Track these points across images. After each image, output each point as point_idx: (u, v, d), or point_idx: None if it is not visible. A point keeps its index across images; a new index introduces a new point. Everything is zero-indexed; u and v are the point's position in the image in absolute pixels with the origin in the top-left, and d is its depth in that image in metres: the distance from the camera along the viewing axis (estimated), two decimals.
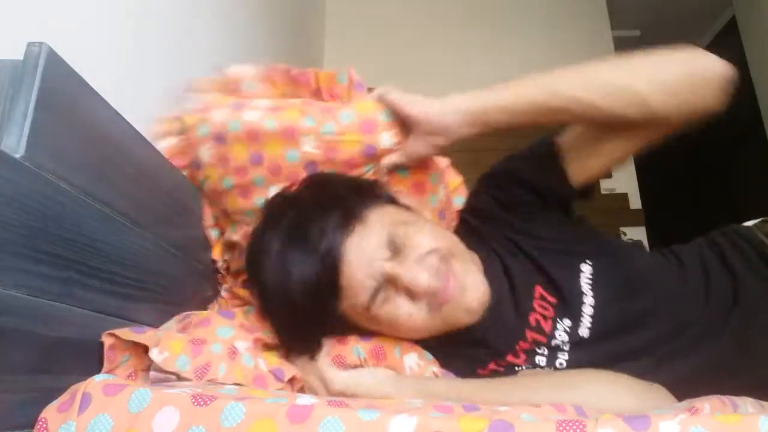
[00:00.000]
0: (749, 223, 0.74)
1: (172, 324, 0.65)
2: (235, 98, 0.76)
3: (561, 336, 0.65)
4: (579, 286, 0.66)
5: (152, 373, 0.54)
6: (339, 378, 0.61)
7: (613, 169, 0.78)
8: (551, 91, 0.65)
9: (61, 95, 0.48)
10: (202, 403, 0.39)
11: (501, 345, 0.66)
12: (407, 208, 0.71)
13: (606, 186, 2.53)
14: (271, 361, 0.62)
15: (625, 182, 2.53)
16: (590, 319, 0.64)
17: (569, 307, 0.65)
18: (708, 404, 0.40)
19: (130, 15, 0.75)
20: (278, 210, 0.65)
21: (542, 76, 0.65)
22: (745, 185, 3.05)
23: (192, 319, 0.64)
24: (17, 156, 0.43)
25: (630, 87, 0.62)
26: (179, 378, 0.54)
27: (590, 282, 0.66)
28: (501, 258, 0.71)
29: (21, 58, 0.45)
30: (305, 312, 0.61)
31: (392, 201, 0.70)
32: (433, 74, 2.75)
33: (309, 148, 0.69)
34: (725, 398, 0.43)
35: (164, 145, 0.75)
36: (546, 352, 0.65)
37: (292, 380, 0.62)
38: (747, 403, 0.44)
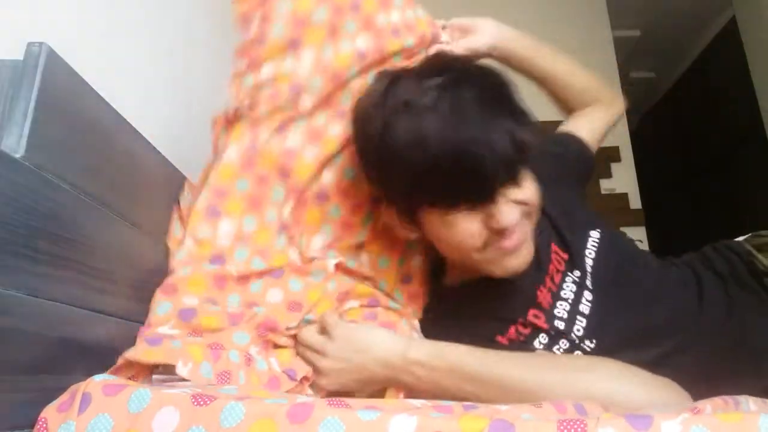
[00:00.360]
0: (741, 239, 0.77)
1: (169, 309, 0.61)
2: None
3: (569, 287, 0.69)
4: (584, 245, 0.73)
5: (155, 377, 0.55)
6: (343, 324, 0.61)
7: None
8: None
9: (61, 95, 0.48)
10: (202, 403, 0.39)
11: (511, 312, 0.69)
12: None
13: (606, 186, 2.53)
14: (284, 359, 0.62)
15: (625, 182, 2.54)
16: (591, 265, 0.71)
17: (576, 259, 0.71)
18: (710, 405, 0.40)
19: (130, 15, 0.75)
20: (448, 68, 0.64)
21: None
22: (745, 185, 3.05)
23: (201, 322, 0.61)
24: (17, 156, 0.43)
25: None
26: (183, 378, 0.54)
27: (595, 245, 0.73)
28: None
29: (21, 58, 0.45)
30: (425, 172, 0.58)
31: None
32: None
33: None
34: (728, 398, 0.43)
35: None
36: (563, 314, 0.68)
37: (303, 379, 0.61)
38: (749, 401, 0.44)
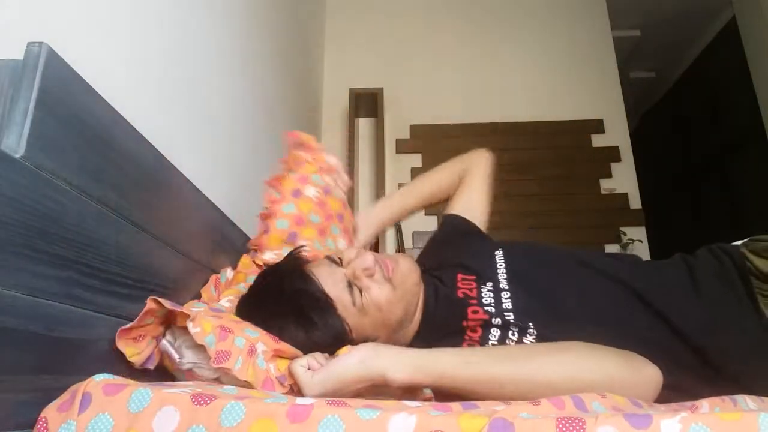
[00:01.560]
0: (738, 243, 0.78)
1: (203, 307, 0.68)
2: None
3: (487, 296, 0.78)
4: (494, 263, 0.83)
5: (163, 342, 0.60)
6: (310, 382, 0.60)
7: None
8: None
9: (61, 95, 0.48)
10: (202, 402, 0.39)
11: (456, 319, 0.77)
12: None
13: (606, 186, 2.53)
14: (281, 367, 0.64)
15: (625, 182, 2.54)
16: (504, 272, 0.81)
17: (486, 274, 0.81)
18: (707, 403, 0.40)
19: (129, 15, 0.75)
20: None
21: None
22: (745, 185, 3.05)
23: (223, 315, 0.67)
24: (17, 156, 0.43)
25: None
26: (180, 355, 0.60)
27: (503, 258, 0.84)
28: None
29: (21, 58, 0.45)
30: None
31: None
32: (433, 74, 2.76)
33: None
34: (725, 396, 0.43)
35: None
36: (497, 320, 0.75)
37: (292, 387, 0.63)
38: (747, 399, 0.44)
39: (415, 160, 2.61)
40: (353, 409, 0.38)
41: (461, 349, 0.72)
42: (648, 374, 0.59)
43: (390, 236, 2.53)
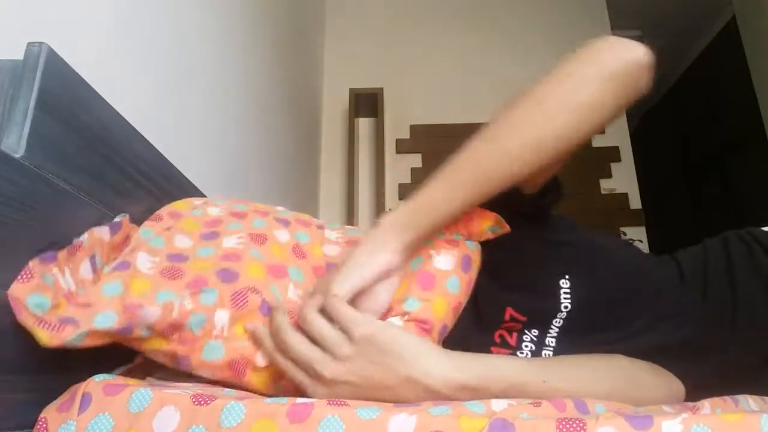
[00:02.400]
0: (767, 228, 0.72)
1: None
2: None
3: (527, 347, 0.64)
4: (555, 301, 0.64)
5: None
6: (368, 321, 0.47)
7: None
8: (480, 182, 0.57)
9: (61, 95, 0.48)
10: (202, 402, 0.39)
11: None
12: None
13: (606, 186, 2.53)
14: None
15: (625, 182, 2.54)
16: (560, 320, 0.64)
17: (537, 319, 0.64)
18: (708, 403, 0.40)
19: (129, 15, 0.75)
20: None
21: (461, 168, 0.56)
22: (745, 185, 3.05)
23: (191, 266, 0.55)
24: (17, 156, 0.43)
25: (559, 138, 0.58)
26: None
27: (568, 296, 0.64)
28: None
29: (21, 58, 0.45)
30: None
31: None
32: (433, 74, 2.76)
33: None
34: (727, 397, 0.43)
35: None
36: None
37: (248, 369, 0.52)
38: (749, 399, 0.44)
39: (415, 160, 2.61)
40: (353, 408, 0.38)
41: (530, 360, 0.60)
42: (673, 385, 0.56)
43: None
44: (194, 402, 0.40)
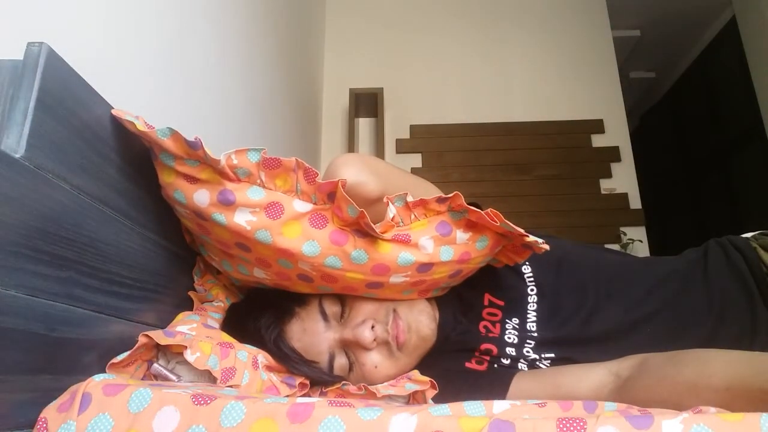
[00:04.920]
0: (747, 235, 0.78)
1: (197, 326, 0.64)
2: None
3: (511, 335, 0.72)
4: (523, 286, 0.75)
5: (155, 366, 0.56)
6: None
7: None
8: None
9: (61, 95, 0.48)
10: (202, 402, 0.39)
11: (467, 345, 0.73)
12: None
13: (606, 186, 2.53)
14: (281, 375, 0.64)
15: (625, 182, 2.54)
16: (534, 315, 0.73)
17: (513, 306, 0.74)
18: (714, 410, 0.39)
19: (129, 14, 0.75)
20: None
21: None
22: (745, 185, 3.05)
23: (221, 336, 0.64)
24: (17, 156, 0.43)
25: None
26: (178, 376, 0.56)
27: (532, 280, 0.75)
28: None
29: (21, 58, 0.45)
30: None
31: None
32: (433, 74, 2.76)
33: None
34: None
35: None
36: (511, 352, 0.71)
37: (301, 385, 0.64)
38: None
39: (415, 160, 2.61)
40: (354, 409, 0.38)
41: None
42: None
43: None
44: (194, 402, 0.40)
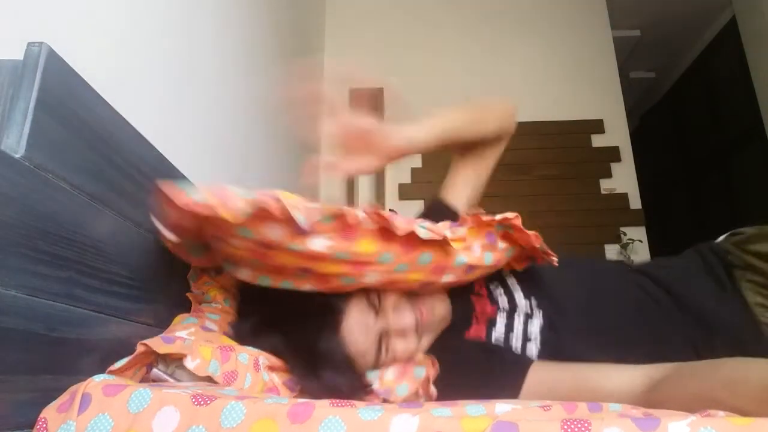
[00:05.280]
0: (720, 238, 0.82)
1: (195, 330, 0.64)
2: None
3: (496, 291, 0.79)
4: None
5: (154, 371, 0.55)
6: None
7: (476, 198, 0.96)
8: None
9: (61, 95, 0.48)
10: (202, 402, 0.39)
11: (461, 315, 0.79)
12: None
13: (606, 186, 2.53)
14: (283, 377, 0.64)
15: (625, 182, 2.53)
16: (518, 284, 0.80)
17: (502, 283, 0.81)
18: (722, 411, 0.39)
19: (130, 15, 0.75)
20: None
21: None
22: (745, 185, 3.04)
23: (219, 338, 0.64)
24: (17, 156, 0.43)
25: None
26: (176, 380, 0.55)
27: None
28: None
29: (21, 58, 0.45)
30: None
31: None
32: (433, 74, 2.75)
33: None
34: None
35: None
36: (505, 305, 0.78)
37: (300, 392, 0.64)
38: None
39: (415, 160, 2.60)
40: (355, 409, 0.37)
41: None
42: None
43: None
44: (194, 402, 0.39)
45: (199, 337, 0.61)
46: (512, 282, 0.80)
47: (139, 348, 0.53)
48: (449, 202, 0.92)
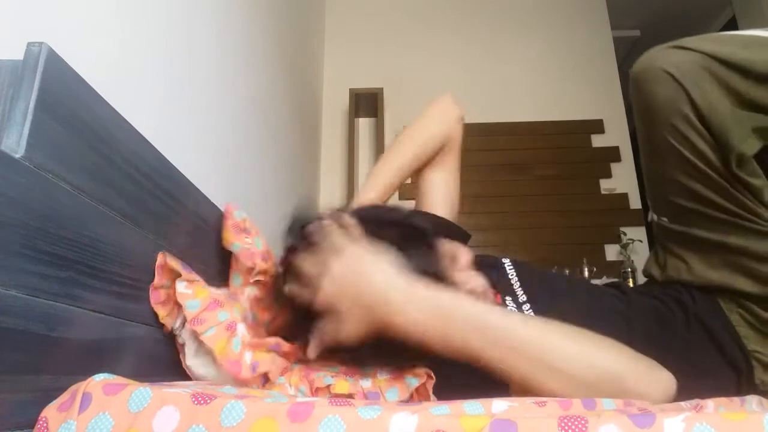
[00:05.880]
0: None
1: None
2: None
3: (511, 306, 0.76)
4: (507, 277, 0.80)
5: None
6: (350, 243, 0.60)
7: None
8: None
9: (61, 95, 0.48)
10: (202, 402, 0.39)
11: None
12: None
13: (606, 186, 2.53)
14: (258, 357, 0.63)
15: (625, 182, 2.54)
16: (518, 283, 0.79)
17: (502, 287, 0.79)
18: (712, 402, 0.39)
19: (130, 15, 0.75)
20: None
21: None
22: None
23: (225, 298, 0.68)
24: (17, 156, 0.43)
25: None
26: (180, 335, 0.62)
27: (512, 269, 0.82)
28: None
29: (21, 58, 0.45)
30: None
31: None
32: (433, 74, 2.76)
33: None
34: (735, 397, 0.43)
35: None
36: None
37: (266, 375, 0.63)
38: (753, 402, 0.44)
39: None
40: (354, 408, 0.38)
41: (509, 311, 0.70)
42: (661, 375, 0.55)
43: None
44: (194, 401, 0.39)
45: (205, 286, 0.65)
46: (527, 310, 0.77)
47: (159, 258, 0.62)
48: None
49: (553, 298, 0.77)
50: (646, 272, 0.88)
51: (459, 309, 0.54)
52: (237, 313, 0.65)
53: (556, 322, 0.58)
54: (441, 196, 0.95)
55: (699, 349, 0.70)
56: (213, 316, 0.61)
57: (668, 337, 0.71)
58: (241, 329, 0.63)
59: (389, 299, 0.55)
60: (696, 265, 0.76)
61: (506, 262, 0.84)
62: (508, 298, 0.77)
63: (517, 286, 0.79)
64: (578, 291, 0.81)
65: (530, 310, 0.74)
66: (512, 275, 0.81)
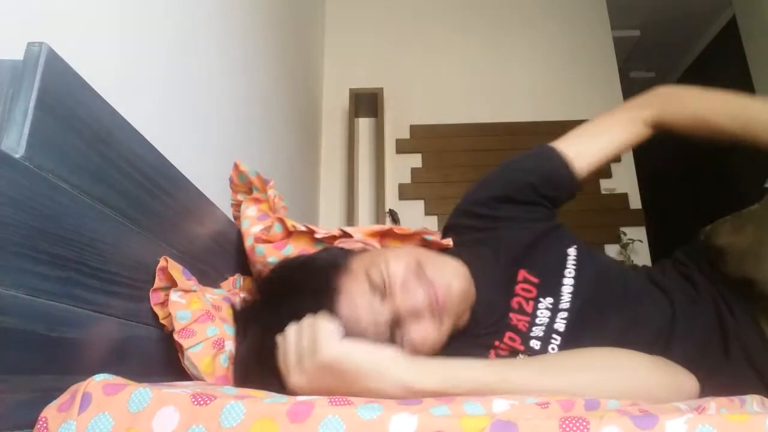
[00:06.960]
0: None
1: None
2: None
3: (542, 315, 0.69)
4: (563, 267, 0.73)
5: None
6: (331, 346, 0.51)
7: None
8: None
9: (61, 95, 0.48)
10: (202, 402, 0.39)
11: (492, 320, 0.70)
12: (364, 247, 0.76)
13: (606, 186, 2.53)
14: None
15: (625, 182, 2.54)
16: (569, 293, 0.70)
17: (549, 284, 0.71)
18: (714, 403, 0.39)
19: (130, 14, 0.75)
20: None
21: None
22: (745, 185, 3.04)
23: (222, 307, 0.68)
24: (17, 156, 0.43)
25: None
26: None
27: (574, 263, 0.74)
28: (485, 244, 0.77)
29: (21, 58, 0.45)
30: None
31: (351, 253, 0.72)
32: (433, 74, 2.76)
33: None
34: (734, 397, 0.43)
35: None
36: (539, 334, 0.69)
37: None
38: (753, 402, 0.44)
39: (415, 160, 2.61)
40: (354, 408, 0.38)
41: (491, 361, 0.64)
42: (683, 379, 0.55)
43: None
44: (194, 402, 0.39)
45: (204, 294, 0.65)
46: (559, 325, 0.69)
47: (161, 262, 0.62)
48: (561, 150, 0.88)
49: (601, 312, 0.69)
50: (704, 236, 0.80)
51: (467, 380, 0.51)
52: (228, 330, 0.65)
53: (563, 356, 0.60)
54: (594, 148, 0.92)
55: (739, 378, 0.65)
56: (202, 330, 0.60)
57: (709, 363, 0.65)
58: (229, 346, 0.63)
59: (391, 396, 0.49)
60: None
61: (571, 253, 0.74)
62: (548, 299, 0.70)
63: (569, 285, 0.71)
64: (630, 304, 0.72)
65: (564, 320, 0.68)
66: (570, 272, 0.72)
